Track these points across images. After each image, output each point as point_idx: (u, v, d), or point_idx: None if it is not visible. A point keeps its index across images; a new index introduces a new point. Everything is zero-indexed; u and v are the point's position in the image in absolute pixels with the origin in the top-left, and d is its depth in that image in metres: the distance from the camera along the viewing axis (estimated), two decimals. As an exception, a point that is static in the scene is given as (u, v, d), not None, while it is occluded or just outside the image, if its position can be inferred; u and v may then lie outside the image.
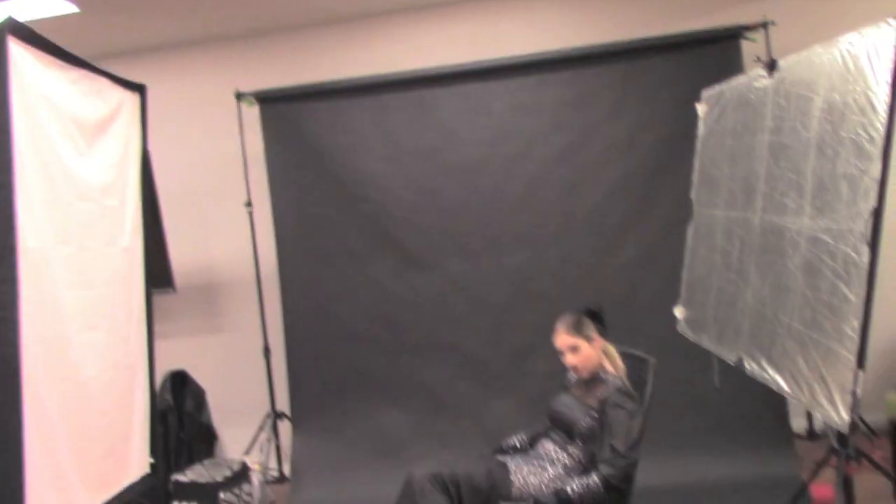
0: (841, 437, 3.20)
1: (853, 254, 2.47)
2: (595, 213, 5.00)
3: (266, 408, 5.31)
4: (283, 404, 5.32)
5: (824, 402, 2.60)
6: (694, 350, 4.44)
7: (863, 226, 2.43)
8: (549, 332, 4.48)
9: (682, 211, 4.32)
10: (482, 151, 5.10)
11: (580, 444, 3.32)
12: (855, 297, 2.45)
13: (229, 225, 5.47)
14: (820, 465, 3.53)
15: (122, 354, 3.60)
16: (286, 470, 5.37)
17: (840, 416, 2.50)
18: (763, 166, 3.18)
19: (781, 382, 2.91)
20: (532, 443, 3.59)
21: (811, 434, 5.07)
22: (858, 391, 2.45)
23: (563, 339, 3.36)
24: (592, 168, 5.00)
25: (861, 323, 2.42)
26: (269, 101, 5.17)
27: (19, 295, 2.82)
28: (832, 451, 3.31)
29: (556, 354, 3.45)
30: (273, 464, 5.28)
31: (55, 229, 3.10)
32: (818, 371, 2.64)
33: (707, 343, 3.65)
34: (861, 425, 3.26)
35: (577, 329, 3.36)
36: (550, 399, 3.55)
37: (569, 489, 3.14)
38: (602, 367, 3.40)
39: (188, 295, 5.57)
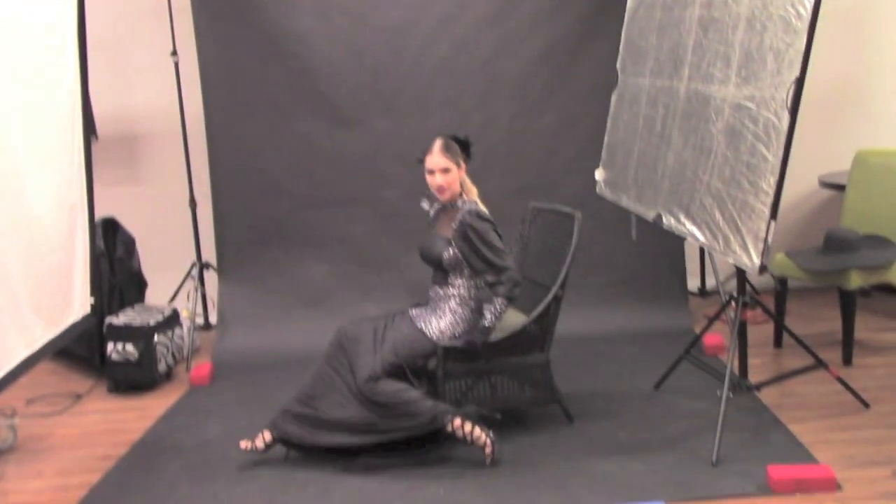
0: (740, 284, 3.62)
1: (774, 119, 2.78)
2: (519, 79, 5.20)
3: (192, 258, 5.42)
4: (209, 255, 5.45)
5: (738, 249, 2.95)
6: (605, 212, 4.81)
7: (785, 94, 2.73)
8: None
9: (605, 80, 4.56)
10: (411, 13, 5.17)
11: (456, 274, 3.64)
12: (773, 157, 2.77)
13: (153, 75, 5.41)
14: (714, 318, 3.96)
15: (67, 195, 3.65)
16: (212, 318, 5.55)
17: (752, 261, 2.86)
18: (692, 38, 3.43)
19: (698, 234, 3.25)
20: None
21: (702, 292, 5.57)
22: (769, 239, 2.80)
23: (438, 159, 3.62)
24: (518, 34, 5.16)
25: (777, 180, 2.75)
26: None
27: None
28: (731, 299, 3.74)
29: None
30: (199, 311, 5.45)
31: (6, 68, 3.09)
32: (734, 223, 2.99)
33: (626, 202, 3.97)
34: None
35: (451, 152, 3.63)
36: (418, 243, 3.82)
37: (485, 322, 3.52)
38: (460, 194, 3.69)
39: (111, 145, 5.54)
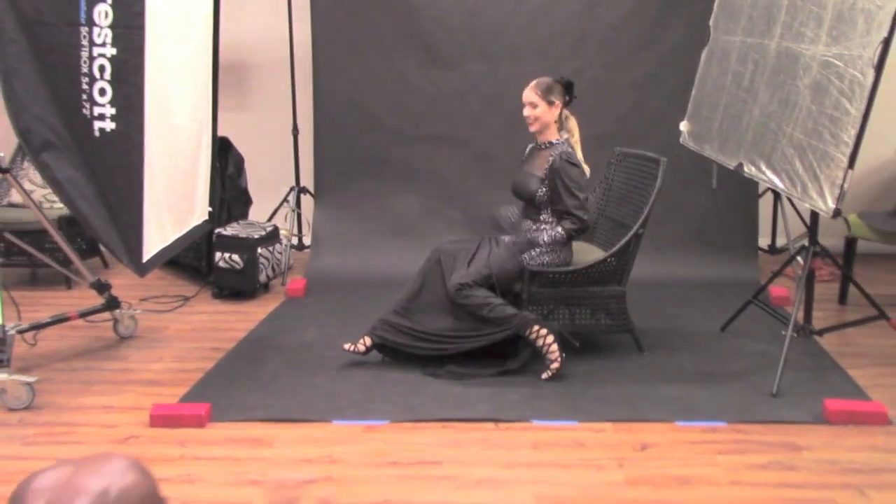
0: (812, 234, 3.86)
1: (860, 76, 3.00)
2: (611, 32, 5.43)
3: (291, 182, 5.82)
4: (307, 181, 5.83)
5: (815, 195, 3.20)
6: (685, 166, 5.05)
7: (872, 52, 2.95)
8: None
9: (694, 38, 4.77)
10: (512, -39, 5.43)
11: (547, 210, 3.94)
12: (855, 110, 3.00)
13: (266, 7, 5.76)
14: (785, 263, 4.21)
15: (198, 111, 4.03)
16: (306, 240, 5.95)
17: (827, 205, 3.11)
18: (786, -2, 3.64)
19: (778, 181, 3.50)
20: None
21: (773, 250, 5.78)
22: (846, 186, 3.04)
23: (528, 94, 3.95)
24: (611, -8, 5.39)
25: (857, 132, 2.99)
26: None
27: (143, 43, 3.23)
28: (802, 248, 3.98)
29: None
30: (295, 232, 5.85)
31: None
32: (813, 171, 3.23)
33: (709, 152, 4.22)
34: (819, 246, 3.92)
35: (544, 90, 3.94)
36: (512, 178, 4.13)
37: (540, 239, 3.88)
38: (555, 132, 3.96)
39: (223, 72, 5.91)
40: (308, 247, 5.84)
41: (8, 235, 4.38)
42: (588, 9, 5.42)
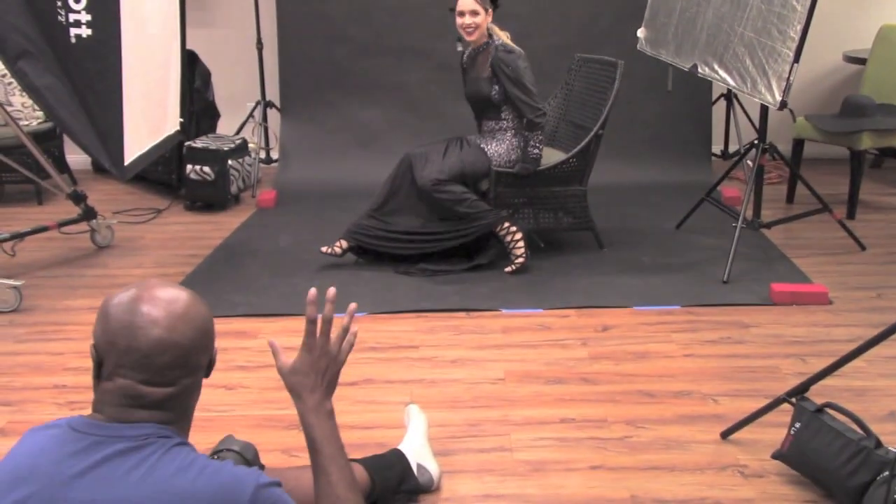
0: (762, 132, 4.08)
1: (806, -26, 3.19)
2: (570, -58, 5.53)
3: (256, 96, 5.89)
4: (273, 95, 5.91)
5: (763, 90, 3.40)
6: (640, 75, 5.24)
7: (818, -49, 3.13)
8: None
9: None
10: None
11: (506, 107, 4.10)
12: (801, 7, 3.19)
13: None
14: (737, 161, 4.44)
15: (167, 21, 4.09)
16: (273, 154, 6.06)
17: (775, 98, 3.32)
18: None
19: (729, 79, 3.70)
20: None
21: (725, 155, 6.02)
22: (792, 79, 3.25)
23: (469, 3, 4.02)
24: None
25: (802, 27, 3.18)
26: None
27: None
28: (751, 145, 4.21)
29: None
30: (263, 145, 5.95)
31: None
32: (762, 67, 3.43)
33: (665, 56, 4.39)
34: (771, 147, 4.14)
35: None
36: (465, 87, 4.26)
37: (535, 151, 4.02)
38: (486, 37, 4.11)
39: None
40: (276, 160, 5.95)
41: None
42: (547, -83, 5.50)
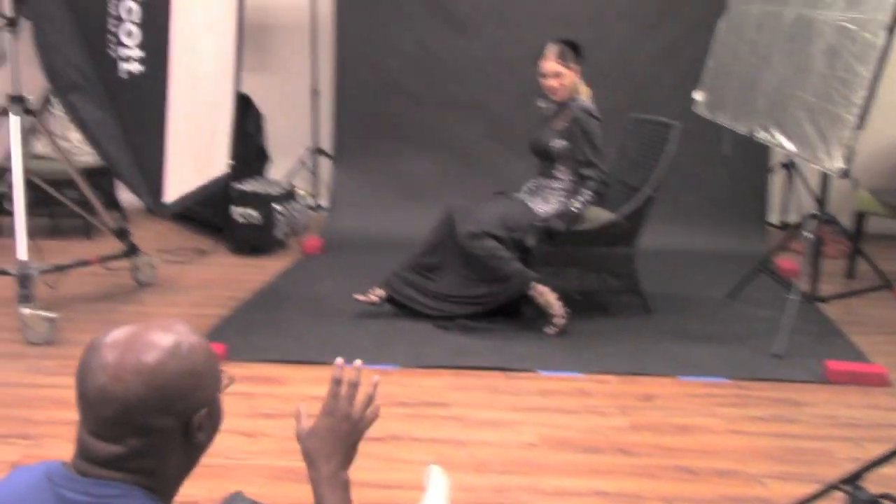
0: (820, 204, 3.92)
1: (872, 38, 3.05)
2: (631, 3, 5.48)
3: (308, 143, 5.90)
4: (325, 143, 5.92)
5: (823, 156, 3.26)
6: (698, 138, 5.11)
7: (886, 15, 3.00)
8: None
9: (714, 10, 4.81)
10: (533, -70, 5.48)
11: (561, 165, 4.01)
12: (866, 72, 3.06)
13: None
14: (793, 230, 4.27)
15: (221, 61, 4.12)
16: (322, 201, 6.04)
17: (835, 165, 3.17)
18: (805, -34, 3.69)
19: (788, 144, 3.56)
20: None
21: (783, 226, 5.83)
22: (854, 147, 3.10)
23: (551, 64, 3.98)
24: (634, -39, 5.44)
25: (867, 94, 3.04)
26: None
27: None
28: (811, 216, 4.04)
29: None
30: (312, 192, 5.95)
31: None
32: (822, 133, 3.29)
33: (722, 119, 4.27)
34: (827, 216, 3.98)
35: (563, 57, 3.98)
36: (529, 135, 4.20)
37: (574, 207, 3.90)
38: (573, 94, 4.03)
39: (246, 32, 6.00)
40: (324, 208, 5.93)
41: (39, 182, 4.46)
42: (609, -21, 5.47)
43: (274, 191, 5.18)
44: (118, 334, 1.26)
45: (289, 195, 5.31)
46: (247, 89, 5.55)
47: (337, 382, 1.60)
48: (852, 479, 2.21)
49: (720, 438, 2.96)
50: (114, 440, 1.22)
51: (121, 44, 3.43)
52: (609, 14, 5.49)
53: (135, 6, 3.38)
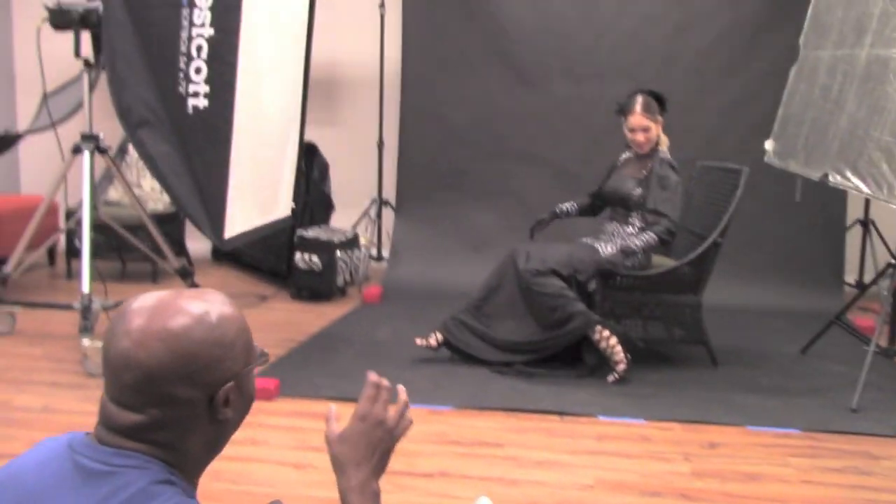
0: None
1: (951, 72, 2.94)
2: (699, 56, 5.43)
3: (372, 194, 5.93)
4: (389, 194, 5.94)
5: (901, 196, 3.12)
6: (769, 192, 4.99)
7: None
8: None
9: (785, 62, 4.71)
10: (602, -15, 5.50)
11: (636, 213, 3.92)
12: (946, 107, 2.93)
13: (360, 26, 5.94)
14: (865, 289, 4.08)
15: (287, 105, 4.17)
16: (384, 252, 6.03)
17: (914, 204, 3.02)
18: (878, 7, 3.59)
19: (863, 186, 3.42)
20: (582, 212, 4.30)
21: (860, 285, 5.59)
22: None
23: (639, 119, 3.94)
24: (701, 14, 5.40)
25: (947, 128, 2.91)
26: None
27: (239, 25, 3.39)
28: (889, 266, 3.86)
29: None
30: (374, 242, 5.95)
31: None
32: (900, 172, 3.15)
33: (794, 167, 4.15)
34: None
35: (650, 111, 3.93)
36: (602, 183, 4.13)
37: (632, 245, 3.82)
38: (657, 145, 3.96)
39: (313, 86, 6.11)
40: (386, 258, 5.91)
41: (113, 225, 4.54)
42: (677, 33, 5.44)
43: (337, 238, 5.20)
44: (146, 300, 1.21)
45: (351, 243, 5.31)
46: (314, 140, 5.64)
47: (373, 386, 1.51)
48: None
49: (791, 488, 2.78)
50: (135, 409, 1.17)
51: (190, 80, 3.50)
52: (677, 68, 5.45)
53: (205, 44, 3.46)
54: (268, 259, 5.52)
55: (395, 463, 2.81)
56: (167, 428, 1.18)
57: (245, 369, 1.25)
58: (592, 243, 3.96)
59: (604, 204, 4.20)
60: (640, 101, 3.99)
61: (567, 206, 4.32)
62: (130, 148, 5.62)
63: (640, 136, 3.97)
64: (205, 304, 1.21)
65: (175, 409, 1.18)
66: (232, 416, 1.24)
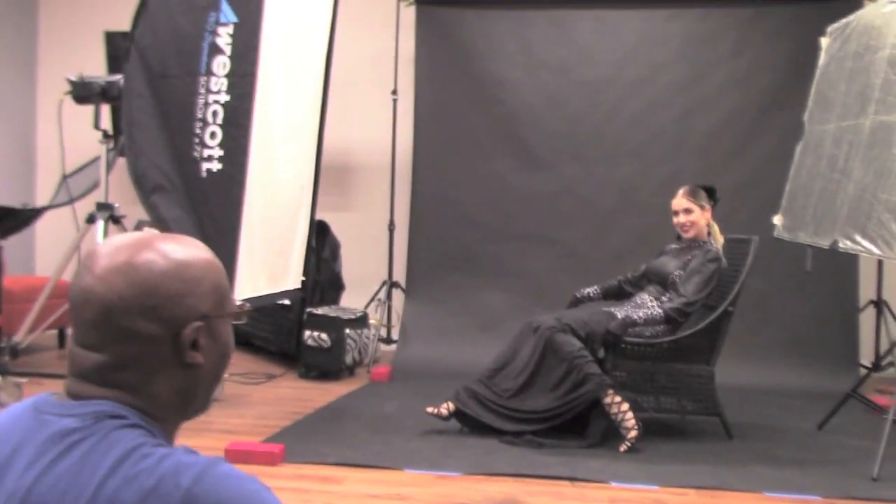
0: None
1: (955, 129, 2.97)
2: (705, 139, 5.52)
3: (383, 276, 5.95)
4: (399, 276, 5.96)
5: (911, 252, 3.10)
6: (779, 272, 4.99)
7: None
8: (648, 239, 5.14)
9: (791, 143, 4.78)
10: (609, 72, 5.64)
11: (670, 293, 3.91)
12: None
13: (373, 112, 6.08)
14: (880, 359, 4.01)
15: (300, 174, 4.23)
16: (393, 334, 6.00)
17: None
18: (880, 78, 3.66)
19: (873, 248, 3.41)
20: (606, 295, 4.18)
21: (876, 367, 5.50)
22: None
23: (680, 201, 3.97)
24: (709, 99, 5.52)
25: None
26: (425, 3, 5.78)
27: (254, 91, 3.48)
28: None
29: (651, 256, 4.24)
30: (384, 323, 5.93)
31: (277, 47, 3.74)
32: (909, 230, 3.15)
33: (803, 238, 4.15)
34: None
35: (694, 196, 3.97)
36: (649, 262, 4.15)
37: (635, 316, 3.78)
38: (705, 236, 3.99)
39: (325, 174, 6.22)
40: (395, 340, 5.88)
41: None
42: (684, 116, 5.54)
43: (346, 315, 5.18)
44: (116, 239, 1.15)
45: (361, 321, 5.30)
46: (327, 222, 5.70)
47: None
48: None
49: (812, 549, 2.67)
50: (97, 347, 1.10)
51: (205, 145, 3.58)
52: (685, 150, 5.53)
53: (220, 110, 3.55)
54: (277, 339, 5.50)
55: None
56: (131, 367, 1.11)
57: (216, 313, 1.16)
58: (611, 309, 3.94)
59: (638, 286, 4.19)
60: (685, 187, 4.07)
61: (590, 290, 4.29)
62: (145, 229, 5.68)
63: (681, 218, 4.00)
64: (175, 243, 1.15)
65: (138, 345, 1.10)
66: (203, 364, 1.14)
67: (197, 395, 1.18)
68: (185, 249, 1.14)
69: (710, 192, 4.08)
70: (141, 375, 1.11)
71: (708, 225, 4.05)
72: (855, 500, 3.14)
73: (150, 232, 1.20)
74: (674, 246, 4.17)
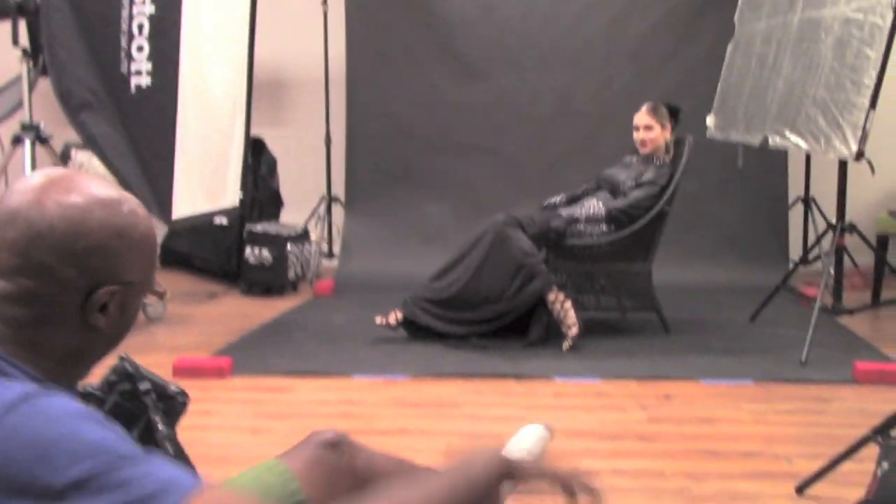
0: (840, 211, 3.84)
1: (879, 20, 3.04)
2: (638, 44, 5.52)
3: (322, 191, 5.91)
4: (338, 191, 5.93)
5: (838, 143, 3.20)
6: (712, 174, 5.09)
7: (890, -3, 2.99)
8: (584, 146, 5.20)
9: (724, 45, 4.83)
10: (541, -22, 5.59)
11: (617, 198, 3.98)
12: (875, 53, 3.03)
13: (303, 24, 5.94)
14: (810, 249, 4.16)
15: (233, 90, 4.15)
16: (334, 249, 6.00)
17: (850, 148, 3.11)
18: (808, -26, 3.71)
19: (801, 143, 3.51)
20: (571, 201, 4.24)
21: (804, 261, 5.71)
22: (868, 126, 3.05)
23: (642, 117, 4.02)
24: (641, 2, 5.51)
25: (878, 73, 3.01)
26: None
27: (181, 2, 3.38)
28: (829, 227, 3.96)
29: (589, 164, 4.35)
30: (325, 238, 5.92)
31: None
32: (836, 122, 3.24)
33: (735, 136, 4.24)
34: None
35: (656, 113, 4.01)
36: (603, 170, 4.20)
37: (577, 213, 3.88)
38: (662, 154, 4.03)
39: (258, 89, 6.09)
40: (337, 254, 5.89)
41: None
42: (617, 21, 5.53)
43: (287, 232, 5.16)
44: (58, 169, 1.08)
45: (302, 237, 5.28)
46: (262, 138, 5.61)
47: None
48: (885, 428, 2.08)
49: (745, 427, 2.82)
50: (6, 274, 1.01)
51: (131, 59, 3.47)
52: (619, 55, 5.53)
53: (146, 22, 3.44)
54: (217, 259, 5.45)
55: (351, 423, 2.80)
56: (29, 305, 1.01)
57: (138, 286, 1.09)
58: (559, 209, 4.01)
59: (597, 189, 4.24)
60: (648, 103, 4.07)
61: (556, 198, 4.30)
62: (73, 152, 5.53)
63: (641, 134, 4.02)
64: (121, 196, 1.07)
65: (48, 285, 1.01)
66: (103, 329, 1.05)
67: (83, 361, 1.09)
68: (131, 205, 1.07)
69: (674, 112, 4.10)
70: (35, 317, 1.02)
71: (666, 143, 4.08)
72: (785, 383, 3.29)
73: (109, 179, 1.15)
74: (631, 158, 4.21)
